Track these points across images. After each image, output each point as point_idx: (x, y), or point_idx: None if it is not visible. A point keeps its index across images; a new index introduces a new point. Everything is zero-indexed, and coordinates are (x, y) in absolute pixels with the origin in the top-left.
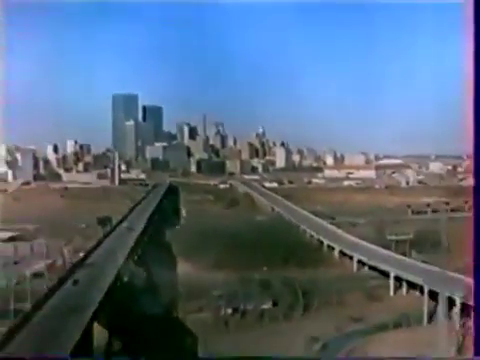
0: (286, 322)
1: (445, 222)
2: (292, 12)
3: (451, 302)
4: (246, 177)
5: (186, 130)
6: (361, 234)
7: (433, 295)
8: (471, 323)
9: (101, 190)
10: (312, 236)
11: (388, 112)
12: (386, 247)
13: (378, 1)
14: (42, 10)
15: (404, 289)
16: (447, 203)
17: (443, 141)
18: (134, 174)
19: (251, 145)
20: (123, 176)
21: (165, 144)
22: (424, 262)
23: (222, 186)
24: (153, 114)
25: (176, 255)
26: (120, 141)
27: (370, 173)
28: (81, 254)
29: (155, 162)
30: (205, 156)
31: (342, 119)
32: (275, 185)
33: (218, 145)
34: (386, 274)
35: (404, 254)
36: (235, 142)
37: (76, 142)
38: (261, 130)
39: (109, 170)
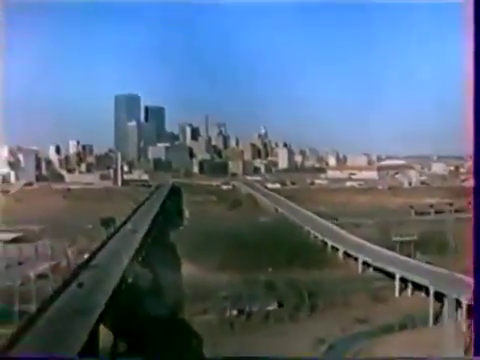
0: (291, 323)
1: (452, 223)
2: (293, 12)
3: (457, 303)
4: (248, 178)
5: (188, 131)
6: (365, 235)
7: (438, 296)
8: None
9: (104, 191)
10: (316, 237)
11: (389, 113)
12: (390, 248)
13: (379, 1)
14: (43, 10)
15: (409, 290)
16: (451, 204)
17: (444, 141)
18: (136, 175)
19: (253, 146)
20: (125, 177)
21: (167, 145)
22: (429, 263)
23: (225, 187)
24: (155, 115)
25: (180, 256)
26: (122, 142)
27: (372, 174)
28: (85, 255)
29: (157, 163)
30: (207, 157)
31: (344, 120)
32: (278, 186)
33: (220, 146)
34: (391, 275)
35: (409, 255)
36: (237, 143)
37: (78, 143)
38: (263, 131)
39: (112, 171)
